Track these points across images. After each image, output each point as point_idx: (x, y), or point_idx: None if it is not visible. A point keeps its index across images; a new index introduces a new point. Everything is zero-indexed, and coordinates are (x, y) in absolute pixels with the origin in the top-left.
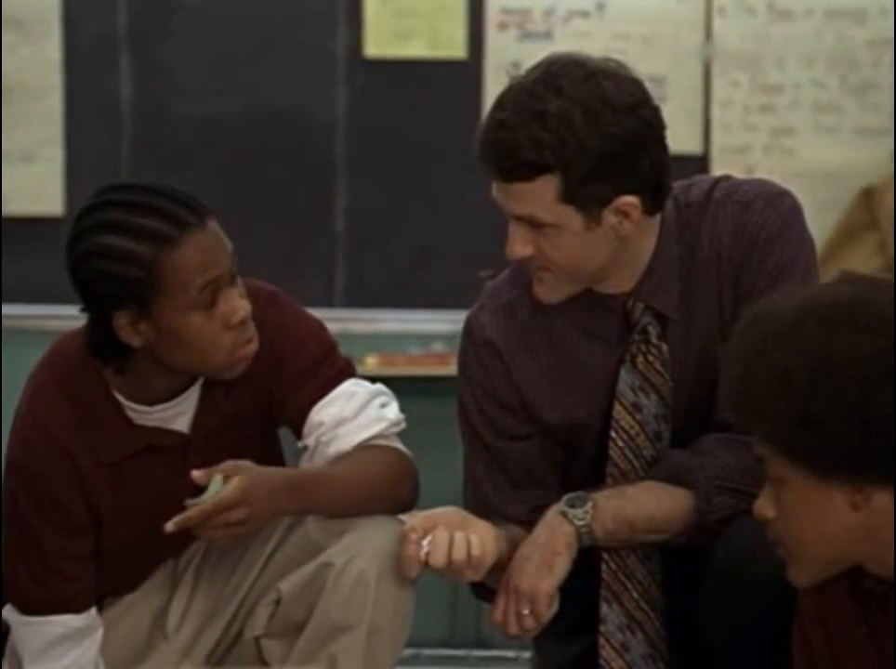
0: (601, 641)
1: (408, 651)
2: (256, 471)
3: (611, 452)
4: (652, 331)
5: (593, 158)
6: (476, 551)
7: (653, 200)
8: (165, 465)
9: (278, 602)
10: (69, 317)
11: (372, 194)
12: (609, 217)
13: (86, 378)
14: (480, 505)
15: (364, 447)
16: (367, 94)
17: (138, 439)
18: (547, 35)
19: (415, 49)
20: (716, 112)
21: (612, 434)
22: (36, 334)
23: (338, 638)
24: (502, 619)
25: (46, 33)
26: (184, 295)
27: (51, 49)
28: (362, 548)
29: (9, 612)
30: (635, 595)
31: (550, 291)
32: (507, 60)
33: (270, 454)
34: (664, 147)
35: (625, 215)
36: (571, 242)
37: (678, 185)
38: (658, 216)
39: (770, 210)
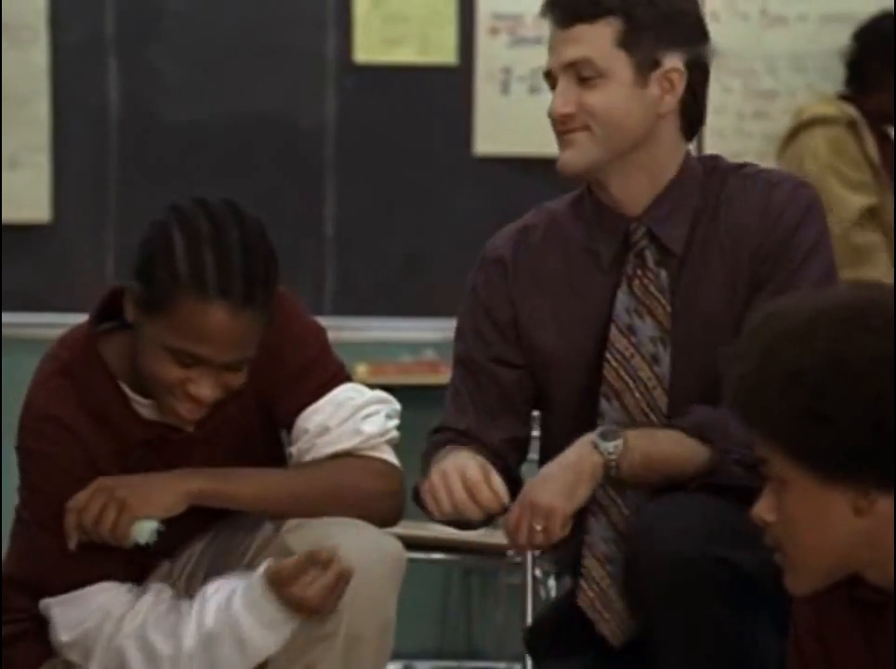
0: (584, 551)
1: (399, 664)
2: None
3: (605, 373)
4: (650, 255)
5: (657, 10)
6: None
7: (694, 107)
8: (170, 459)
9: None
10: (55, 325)
11: (361, 200)
12: (654, 86)
13: (92, 368)
14: (456, 431)
15: (340, 455)
16: (357, 99)
17: (145, 431)
18: (539, 41)
19: (406, 55)
20: (709, 119)
21: (607, 355)
22: (20, 342)
23: (316, 647)
24: (514, 529)
25: (33, 38)
26: (168, 338)
27: (38, 54)
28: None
29: (45, 606)
30: (624, 510)
31: (578, 154)
32: (497, 66)
33: (273, 454)
34: (707, 77)
35: (671, 85)
36: (616, 93)
37: (704, 155)
38: (685, 150)
39: (797, 193)
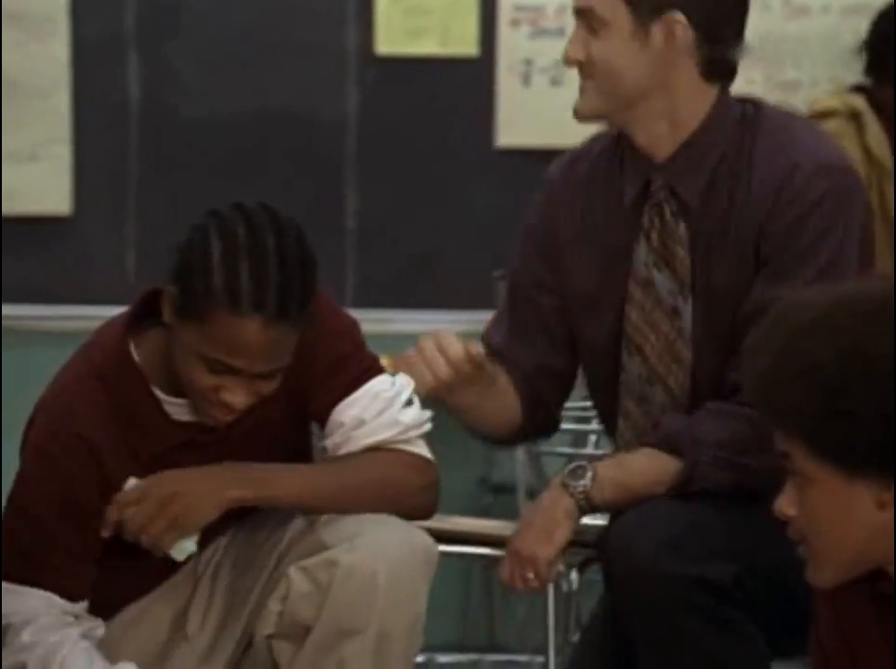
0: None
1: (421, 657)
2: (172, 472)
3: (624, 326)
4: (668, 208)
5: None
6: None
7: (709, 48)
8: (201, 460)
9: (286, 598)
10: (74, 317)
11: (382, 194)
12: (656, 36)
13: (125, 372)
14: (488, 346)
15: (375, 448)
16: (378, 92)
17: (177, 434)
18: (560, 32)
19: (427, 47)
20: None
21: (626, 307)
22: (41, 335)
23: (346, 643)
24: (509, 579)
25: (53, 31)
26: (202, 347)
27: (58, 47)
28: (370, 551)
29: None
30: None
31: (586, 102)
32: (519, 57)
33: (302, 447)
34: (725, 19)
35: (672, 33)
36: (615, 44)
37: (765, 103)
38: (714, 94)
39: (813, 182)
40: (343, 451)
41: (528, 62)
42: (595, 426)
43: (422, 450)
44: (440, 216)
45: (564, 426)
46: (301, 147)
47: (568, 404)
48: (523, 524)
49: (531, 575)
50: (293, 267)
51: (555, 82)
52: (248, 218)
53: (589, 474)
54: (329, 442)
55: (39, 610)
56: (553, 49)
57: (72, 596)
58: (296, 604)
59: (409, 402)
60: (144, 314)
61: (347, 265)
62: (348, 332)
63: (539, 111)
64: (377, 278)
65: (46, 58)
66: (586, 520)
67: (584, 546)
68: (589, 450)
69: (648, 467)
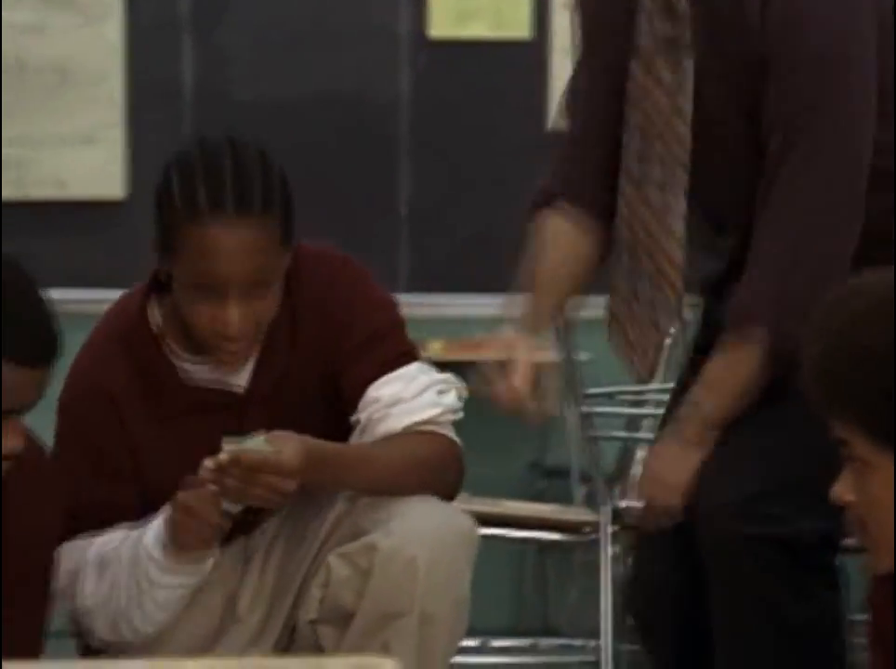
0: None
1: (475, 641)
2: (302, 441)
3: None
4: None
5: None
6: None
7: None
8: (222, 424)
9: (327, 584)
10: None
11: (435, 178)
12: None
13: (141, 335)
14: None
15: (412, 431)
16: (430, 76)
17: (191, 397)
18: None
19: (479, 29)
20: None
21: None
22: (96, 319)
23: (390, 625)
24: (643, 525)
25: (107, 15)
26: (184, 274)
27: (112, 32)
28: (409, 534)
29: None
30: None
31: None
32: (573, 41)
33: (333, 421)
34: None
35: None
36: None
37: None
38: None
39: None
40: (382, 427)
41: None
42: (649, 410)
43: (453, 435)
44: (492, 199)
45: (619, 410)
46: (354, 131)
47: (622, 389)
48: (648, 474)
49: (662, 521)
50: (251, 165)
51: None
52: (203, 141)
53: (693, 411)
54: (363, 416)
55: (93, 541)
56: None
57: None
58: (337, 590)
59: (444, 390)
60: (164, 281)
61: (400, 249)
62: (385, 308)
63: None
64: (430, 262)
65: (101, 43)
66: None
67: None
68: (644, 434)
69: (736, 370)
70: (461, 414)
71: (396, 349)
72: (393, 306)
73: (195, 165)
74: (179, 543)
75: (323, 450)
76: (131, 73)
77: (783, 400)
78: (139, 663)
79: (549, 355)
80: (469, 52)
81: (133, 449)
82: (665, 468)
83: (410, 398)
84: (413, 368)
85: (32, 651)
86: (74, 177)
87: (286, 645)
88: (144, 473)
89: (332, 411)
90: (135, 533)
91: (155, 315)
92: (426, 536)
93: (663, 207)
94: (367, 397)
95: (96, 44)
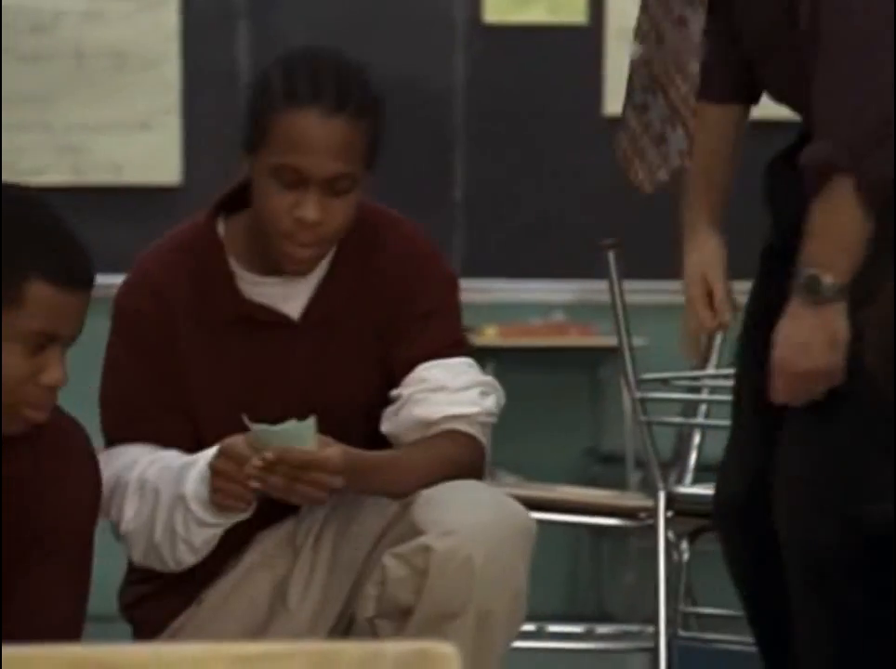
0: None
1: (530, 626)
2: (345, 447)
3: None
4: None
5: None
6: None
7: None
8: (271, 345)
9: (383, 583)
10: None
11: (491, 163)
12: None
13: (206, 243)
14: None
15: (444, 429)
16: (486, 61)
17: (245, 310)
18: None
19: (535, 15)
20: None
21: None
22: None
23: (447, 624)
24: (786, 400)
25: (164, 1)
26: (271, 159)
27: (169, 17)
28: (464, 533)
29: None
30: (683, 89)
31: None
32: (628, 25)
33: (373, 382)
34: None
35: None
36: None
37: None
38: None
39: None
40: (419, 410)
41: None
42: (705, 395)
43: (484, 439)
44: (547, 184)
45: (674, 395)
46: (409, 117)
47: (677, 374)
48: (793, 345)
49: (820, 389)
50: (350, 69)
51: None
52: (307, 46)
53: (824, 276)
54: (405, 392)
55: (140, 459)
56: None
57: (169, 447)
58: (394, 589)
59: (486, 392)
60: (234, 202)
61: (455, 235)
62: (451, 290)
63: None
64: (485, 247)
65: (157, 28)
66: (700, 490)
67: (697, 516)
68: (700, 419)
69: (837, 218)
70: (494, 420)
71: (451, 336)
72: (457, 289)
73: (298, 60)
74: (216, 503)
75: (360, 455)
76: (187, 59)
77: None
78: (144, 648)
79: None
80: (525, 37)
81: (180, 353)
82: (801, 332)
83: (454, 389)
84: (463, 361)
85: (73, 628)
86: (130, 163)
87: (341, 639)
88: (188, 381)
89: (374, 372)
90: (175, 467)
91: (222, 230)
92: (481, 533)
93: (681, 45)
94: (414, 374)
95: (152, 30)
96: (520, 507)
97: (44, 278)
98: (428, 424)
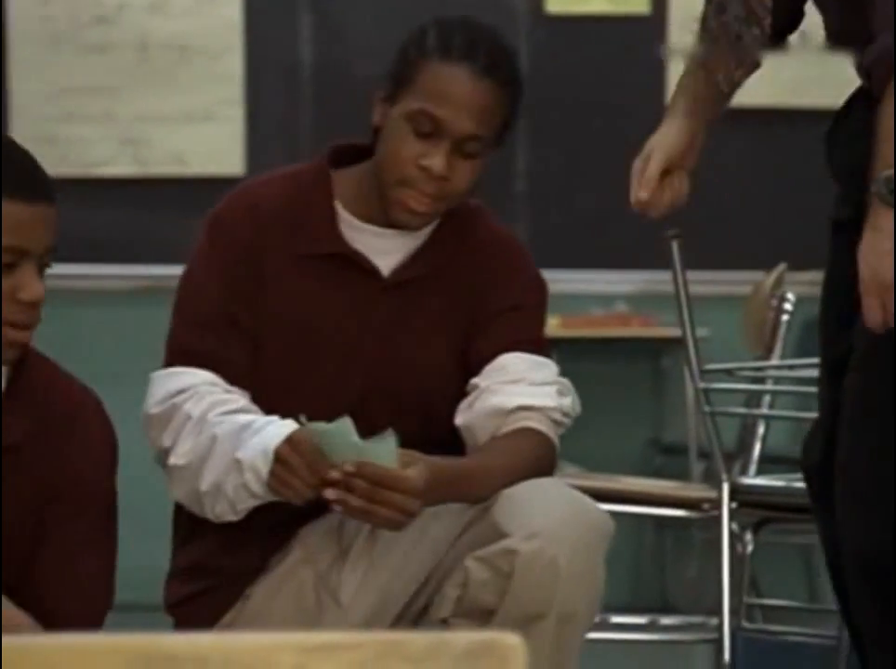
0: None
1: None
2: (428, 463)
3: None
4: None
5: None
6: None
7: None
8: (352, 294)
9: (465, 585)
10: None
11: (553, 154)
12: None
13: (314, 177)
14: None
15: (516, 432)
16: (548, 51)
17: (338, 248)
18: None
19: (597, 5)
20: None
21: None
22: None
23: (529, 626)
24: (883, 318)
25: None
26: (412, 102)
27: (231, 9)
28: (548, 536)
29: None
30: None
31: None
32: (691, 15)
33: (449, 366)
34: None
35: None
36: None
37: None
38: None
39: None
40: (495, 399)
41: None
42: (769, 386)
43: (556, 437)
44: (610, 176)
45: (738, 386)
46: None
47: (741, 365)
48: (881, 256)
49: None
50: (505, 44)
51: None
52: (464, 16)
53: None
54: (482, 383)
55: (202, 389)
56: None
57: (233, 378)
58: (476, 591)
59: (564, 393)
60: (344, 157)
61: (517, 225)
62: (541, 293)
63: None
64: (548, 238)
65: (221, 20)
66: (764, 481)
67: (761, 507)
68: (764, 410)
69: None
70: (569, 423)
71: (535, 334)
72: (545, 293)
73: (455, 24)
74: (273, 487)
75: (439, 469)
76: (250, 50)
77: None
78: (207, 637)
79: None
80: (587, 27)
81: (264, 277)
82: (886, 240)
83: (531, 382)
84: (544, 360)
85: (104, 585)
86: (194, 154)
87: None
88: (264, 307)
89: (449, 355)
90: (238, 424)
91: (334, 177)
92: (566, 536)
93: None
94: (495, 364)
95: (216, 21)
96: (596, 505)
97: (2, 195)
98: (503, 413)
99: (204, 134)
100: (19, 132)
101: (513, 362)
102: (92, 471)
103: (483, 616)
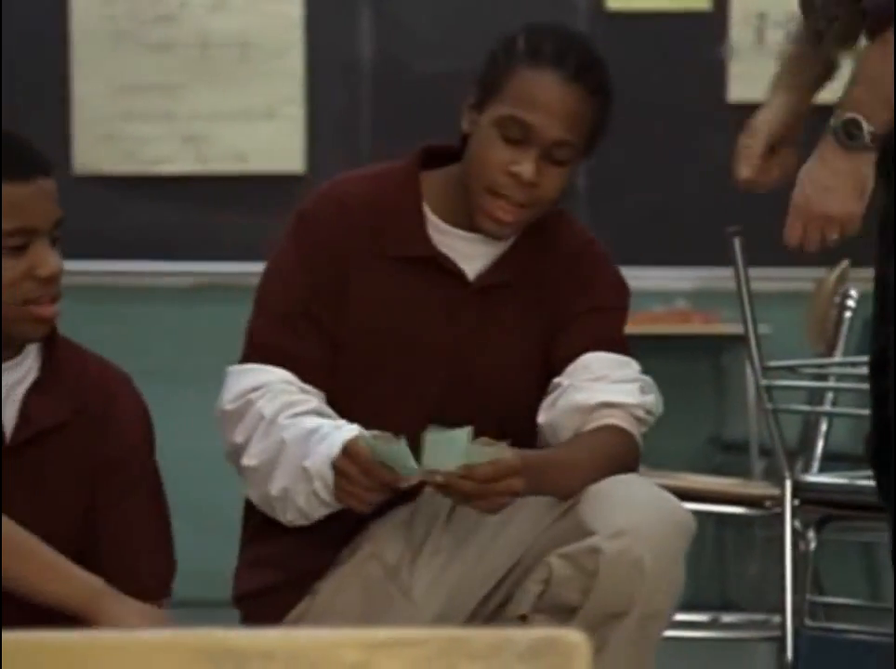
0: None
1: None
2: (516, 450)
3: None
4: None
5: None
6: None
7: None
8: (438, 298)
9: (547, 581)
10: None
11: (613, 149)
12: None
13: (403, 179)
14: None
15: (601, 429)
16: (608, 47)
17: (424, 251)
18: None
19: (658, 1)
20: None
21: None
22: None
23: (611, 624)
24: (803, 240)
25: None
26: (500, 108)
27: (292, 7)
28: (634, 535)
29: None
30: None
31: None
32: (753, 11)
33: (536, 365)
34: None
35: None
36: None
37: None
38: None
39: None
40: (578, 396)
41: (761, 16)
42: (832, 383)
43: (639, 435)
44: (672, 172)
45: (801, 383)
46: None
47: (804, 362)
48: (818, 187)
49: (835, 236)
50: (594, 51)
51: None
52: (554, 22)
53: (864, 122)
54: (564, 381)
55: (276, 387)
56: (787, 2)
57: (310, 377)
58: (559, 588)
59: (646, 390)
60: (432, 160)
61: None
62: (623, 294)
63: (773, 64)
64: (608, 235)
65: (280, 18)
66: (827, 479)
67: (824, 504)
68: (826, 407)
69: (888, 61)
70: (652, 421)
71: (618, 334)
72: (628, 296)
73: (545, 30)
74: (337, 498)
75: (532, 455)
76: (311, 48)
77: None
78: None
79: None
80: (647, 23)
81: (349, 277)
82: (829, 176)
83: (614, 380)
84: (627, 359)
85: (168, 561)
86: (255, 152)
87: None
88: (347, 307)
89: (533, 358)
90: (306, 429)
91: (423, 180)
92: (651, 535)
93: None
94: (578, 362)
95: (276, 19)
96: (680, 504)
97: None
98: (586, 409)
99: (264, 131)
100: (82, 130)
101: (595, 361)
102: (137, 445)
103: (564, 614)
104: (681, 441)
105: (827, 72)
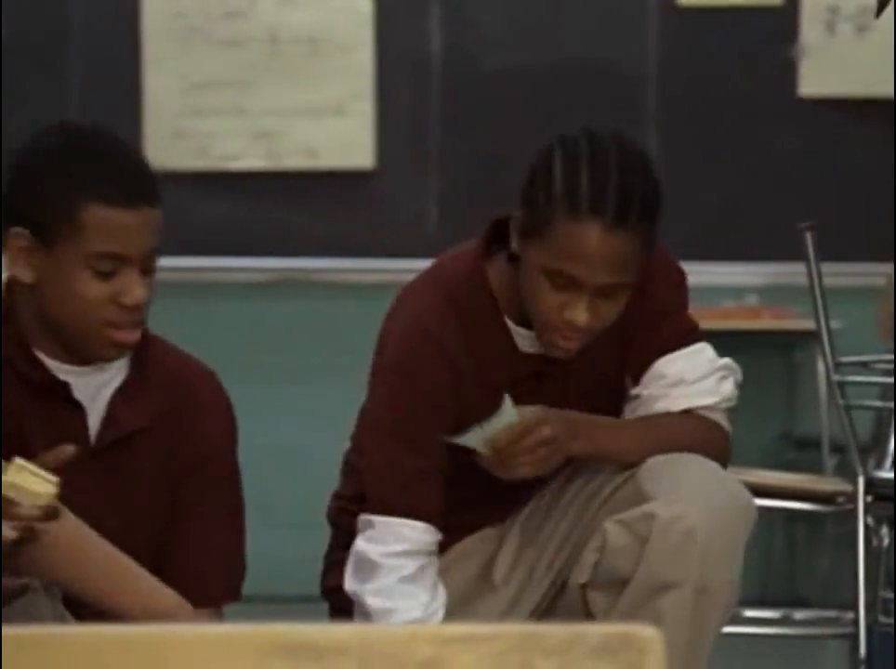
0: None
1: None
2: (548, 409)
3: None
4: None
5: None
6: None
7: None
8: (542, 396)
9: (602, 549)
10: (379, 271)
11: (683, 145)
12: None
13: (479, 298)
14: None
15: (687, 412)
16: (680, 43)
17: (525, 365)
18: None
19: None
20: None
21: None
22: (346, 289)
23: (664, 595)
24: None
25: None
26: (544, 258)
27: (362, 3)
28: (690, 504)
29: (361, 522)
30: None
31: None
32: (823, 5)
33: (619, 396)
34: None
35: None
36: None
37: None
38: None
39: None
40: (659, 405)
41: (833, 10)
42: None
43: (726, 423)
44: (742, 167)
45: (872, 379)
46: (602, 99)
47: (877, 357)
48: None
49: None
50: (634, 176)
51: (861, 29)
52: (591, 134)
53: None
54: (644, 392)
55: (396, 548)
56: None
57: (430, 519)
58: (613, 556)
59: (724, 376)
60: (494, 241)
61: None
62: (682, 282)
63: (844, 59)
64: (678, 230)
65: (350, 13)
66: None
67: None
68: None
69: None
70: (734, 403)
71: (684, 326)
72: (685, 279)
73: (581, 160)
74: None
75: (577, 414)
76: (381, 44)
77: None
78: (347, 628)
79: None
80: (719, 18)
81: (461, 415)
82: None
83: (692, 381)
84: (698, 348)
85: (242, 560)
86: (325, 147)
87: (549, 608)
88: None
89: (622, 385)
90: (383, 611)
91: (492, 278)
92: (706, 506)
93: None
94: (653, 371)
95: (346, 14)
96: (745, 490)
97: (97, 201)
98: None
99: (334, 127)
100: (153, 127)
101: (668, 365)
102: (219, 444)
103: (618, 585)
104: (753, 437)
105: None
